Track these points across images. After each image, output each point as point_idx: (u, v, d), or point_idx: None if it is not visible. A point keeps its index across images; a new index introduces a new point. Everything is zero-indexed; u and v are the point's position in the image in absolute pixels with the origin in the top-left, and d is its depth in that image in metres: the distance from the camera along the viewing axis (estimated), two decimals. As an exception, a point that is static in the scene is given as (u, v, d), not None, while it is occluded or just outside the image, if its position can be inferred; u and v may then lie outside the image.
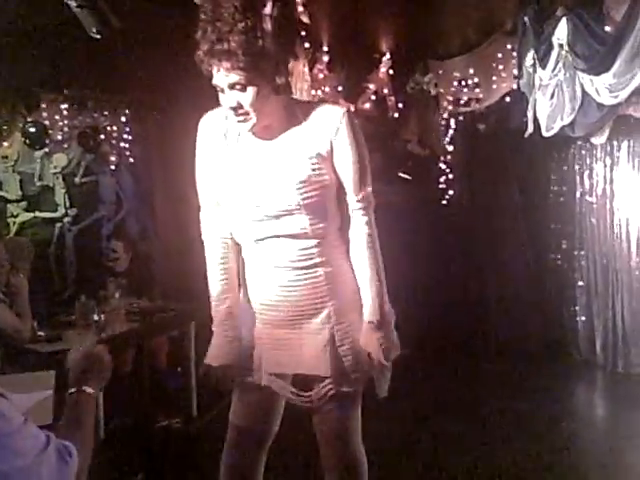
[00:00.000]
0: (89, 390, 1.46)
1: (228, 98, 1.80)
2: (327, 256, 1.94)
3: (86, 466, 1.31)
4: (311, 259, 1.92)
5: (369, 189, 1.95)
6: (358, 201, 1.93)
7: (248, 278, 2.03)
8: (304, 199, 1.85)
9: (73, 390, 1.46)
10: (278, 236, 1.90)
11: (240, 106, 1.79)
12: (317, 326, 1.95)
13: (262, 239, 1.92)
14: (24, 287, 3.73)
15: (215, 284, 2.04)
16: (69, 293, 5.23)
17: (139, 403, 4.40)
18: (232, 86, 1.76)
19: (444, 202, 6.20)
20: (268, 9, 1.70)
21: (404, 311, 5.77)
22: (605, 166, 5.56)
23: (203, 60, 1.75)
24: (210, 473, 2.22)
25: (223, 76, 1.75)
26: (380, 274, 1.97)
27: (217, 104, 1.90)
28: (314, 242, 1.91)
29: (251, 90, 1.76)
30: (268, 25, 1.70)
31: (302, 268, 1.92)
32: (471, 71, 5.26)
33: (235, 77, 1.74)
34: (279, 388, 2.00)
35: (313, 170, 1.86)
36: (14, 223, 5.42)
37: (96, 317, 3.92)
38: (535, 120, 4.42)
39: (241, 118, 1.81)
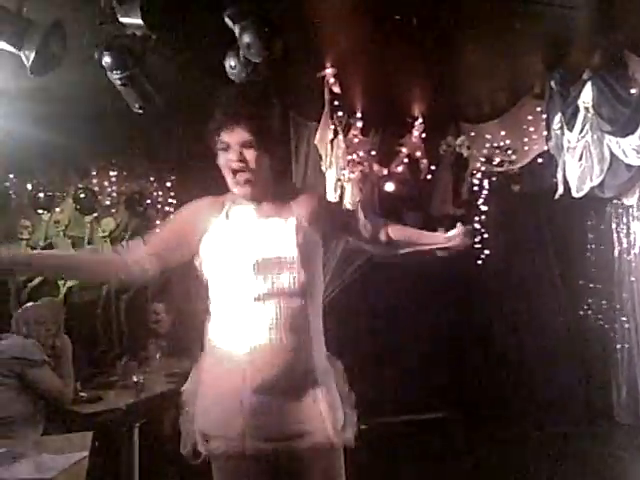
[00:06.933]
0: None
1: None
2: (312, 317, 2.00)
3: None
4: (303, 319, 1.96)
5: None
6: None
7: (233, 339, 1.99)
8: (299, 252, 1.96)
9: None
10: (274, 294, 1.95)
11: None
12: (305, 388, 1.96)
13: (260, 298, 1.95)
14: (68, 349, 3.82)
15: None
16: (114, 354, 5.37)
17: (179, 464, 4.46)
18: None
19: (479, 262, 6.19)
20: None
21: (438, 372, 5.69)
22: (642, 224, 5.49)
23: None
24: None
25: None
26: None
27: None
28: (304, 302, 1.97)
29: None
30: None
31: (292, 329, 1.95)
32: (502, 133, 5.33)
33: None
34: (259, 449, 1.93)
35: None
36: (63, 285, 5.65)
37: (136, 378, 4.04)
38: (565, 181, 4.45)
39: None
